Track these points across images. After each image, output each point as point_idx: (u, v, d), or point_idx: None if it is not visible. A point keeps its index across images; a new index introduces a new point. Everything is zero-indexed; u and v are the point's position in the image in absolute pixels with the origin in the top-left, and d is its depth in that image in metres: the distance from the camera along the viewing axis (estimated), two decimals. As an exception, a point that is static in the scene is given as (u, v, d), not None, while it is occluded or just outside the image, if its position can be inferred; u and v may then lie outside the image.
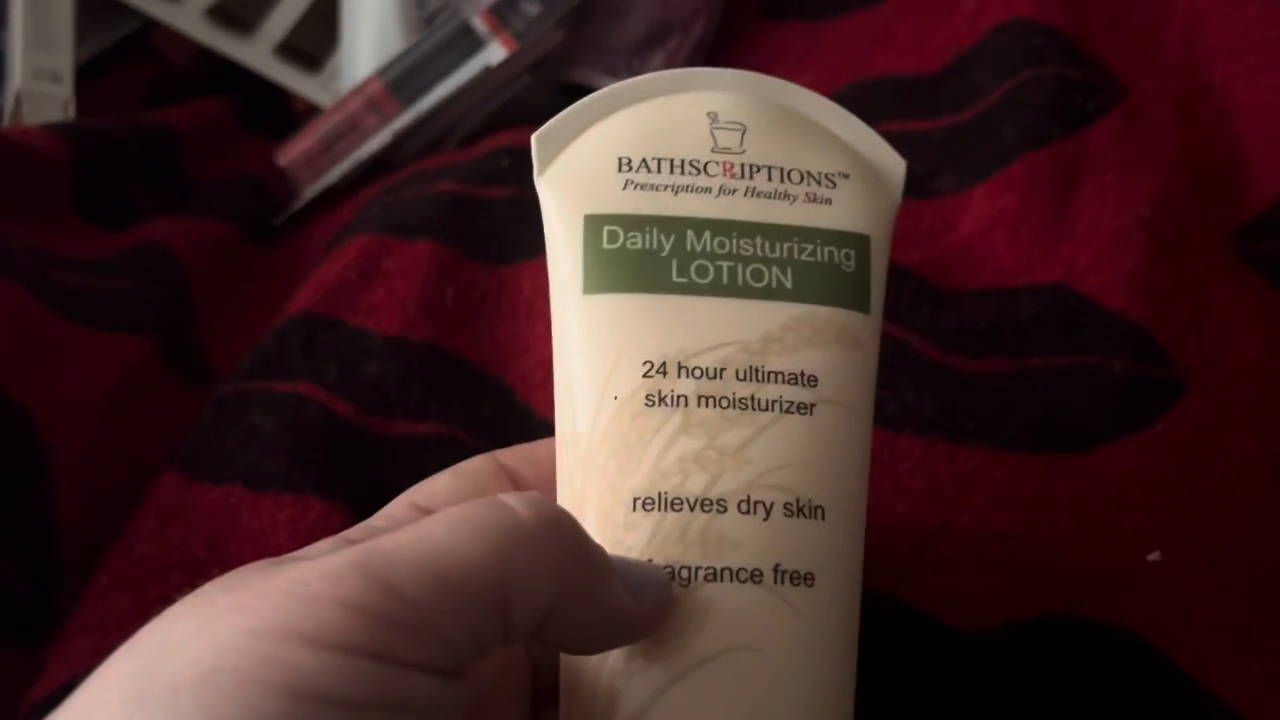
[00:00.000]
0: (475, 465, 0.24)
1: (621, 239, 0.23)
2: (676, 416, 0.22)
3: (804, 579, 0.22)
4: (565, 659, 0.22)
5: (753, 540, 0.21)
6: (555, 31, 0.54)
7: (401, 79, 0.53)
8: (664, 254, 0.23)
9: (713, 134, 0.24)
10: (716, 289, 0.23)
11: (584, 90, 0.55)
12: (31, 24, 0.52)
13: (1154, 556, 0.30)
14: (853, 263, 0.24)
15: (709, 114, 0.24)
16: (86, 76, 0.57)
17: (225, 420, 0.35)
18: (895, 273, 0.38)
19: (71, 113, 0.52)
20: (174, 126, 0.53)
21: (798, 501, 0.22)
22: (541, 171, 0.24)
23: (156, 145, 0.52)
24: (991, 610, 0.30)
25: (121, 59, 0.61)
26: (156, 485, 0.34)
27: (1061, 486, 0.32)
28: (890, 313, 0.36)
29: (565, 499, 0.22)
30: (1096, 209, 0.38)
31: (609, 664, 0.21)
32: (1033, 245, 0.38)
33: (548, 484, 0.23)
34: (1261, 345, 0.34)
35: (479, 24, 0.53)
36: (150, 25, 0.61)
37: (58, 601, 0.32)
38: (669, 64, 0.54)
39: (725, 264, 0.23)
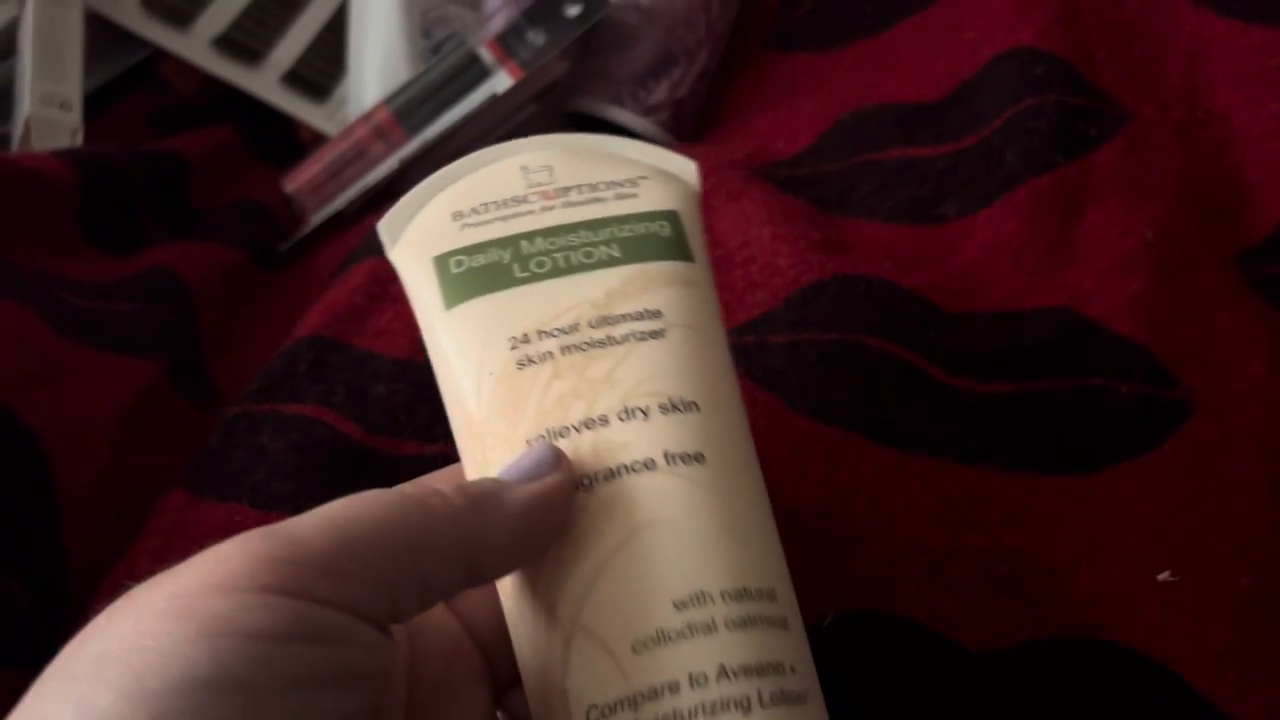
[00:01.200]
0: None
1: (466, 263, 0.26)
2: (546, 368, 0.24)
3: (694, 458, 0.23)
4: (501, 587, 0.24)
5: (638, 438, 0.23)
6: (560, 61, 0.55)
7: (408, 107, 0.54)
8: (505, 262, 0.25)
9: (526, 178, 0.27)
10: (556, 272, 0.25)
11: (589, 119, 0.56)
12: (41, 51, 0.53)
13: (1165, 576, 0.30)
14: (669, 230, 0.27)
15: (521, 167, 0.27)
16: (94, 105, 0.58)
17: (233, 441, 0.35)
18: (901, 297, 0.39)
19: (80, 140, 0.53)
20: (181, 153, 0.54)
21: (671, 401, 0.24)
22: (392, 248, 0.27)
23: (163, 172, 0.52)
24: (1002, 630, 0.29)
25: (129, 88, 0.61)
26: (162, 504, 0.34)
27: (1071, 507, 0.32)
28: (896, 336, 0.36)
29: (473, 473, 0.24)
30: (1101, 233, 0.39)
31: (542, 578, 0.23)
32: (1037, 269, 0.39)
33: None
34: (1266, 368, 0.35)
35: (485, 53, 0.54)
36: (158, 55, 0.61)
37: (66, 624, 0.32)
38: (673, 94, 0.55)
39: (559, 254, 0.26)
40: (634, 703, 0.21)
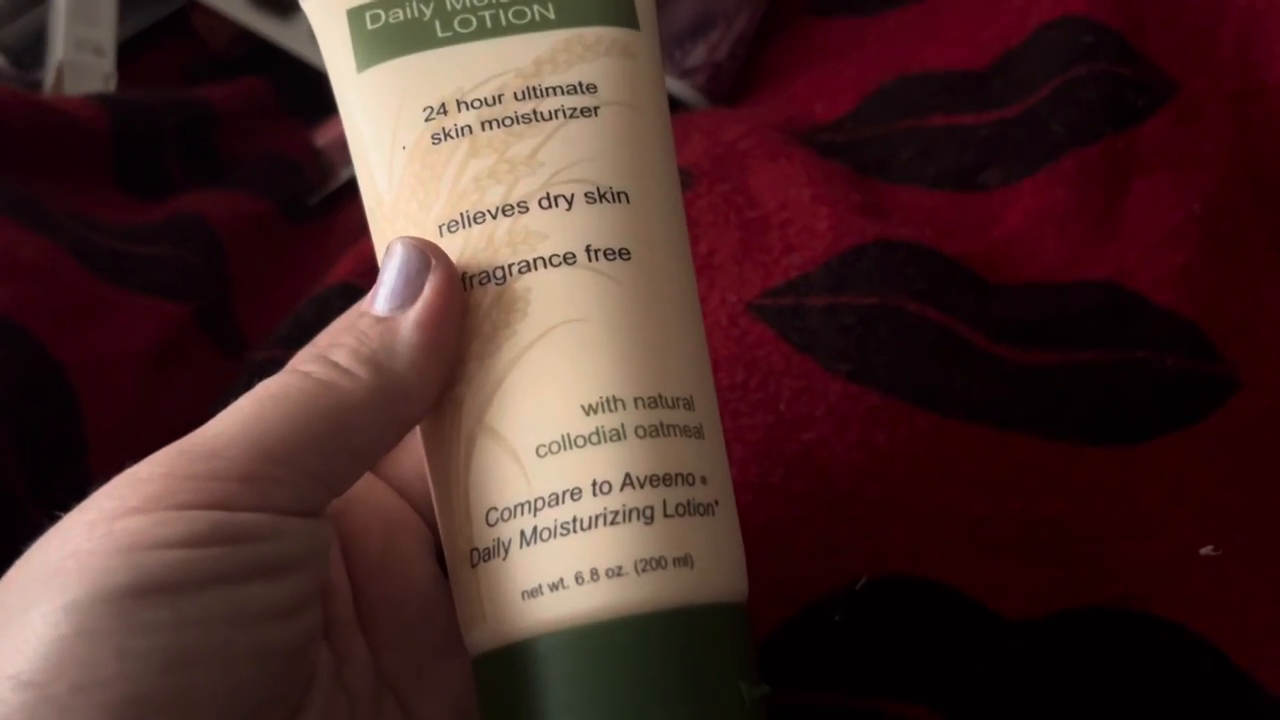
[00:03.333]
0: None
1: (384, 18, 0.23)
2: (464, 145, 0.22)
3: (619, 254, 0.22)
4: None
5: (559, 229, 0.22)
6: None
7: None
8: (426, 19, 0.23)
9: None
10: (482, 33, 0.23)
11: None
12: (76, -4, 0.52)
13: (1207, 550, 0.29)
14: None
15: None
16: (128, 54, 0.57)
17: (261, 385, 0.35)
18: (941, 263, 0.38)
19: (113, 86, 0.52)
20: (213, 103, 0.53)
21: (598, 190, 0.22)
22: None
23: (194, 120, 0.52)
24: (1040, 598, 0.29)
25: (161, 40, 0.61)
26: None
27: (1114, 477, 0.31)
28: (936, 301, 0.36)
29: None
30: (1147, 205, 0.38)
31: (453, 380, 0.22)
32: (1082, 240, 0.38)
33: None
34: (1315, 344, 0.34)
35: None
36: (190, 6, 0.61)
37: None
38: (710, 56, 0.54)
39: (486, 12, 0.23)
40: (534, 507, 0.21)
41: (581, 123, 0.23)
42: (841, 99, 0.48)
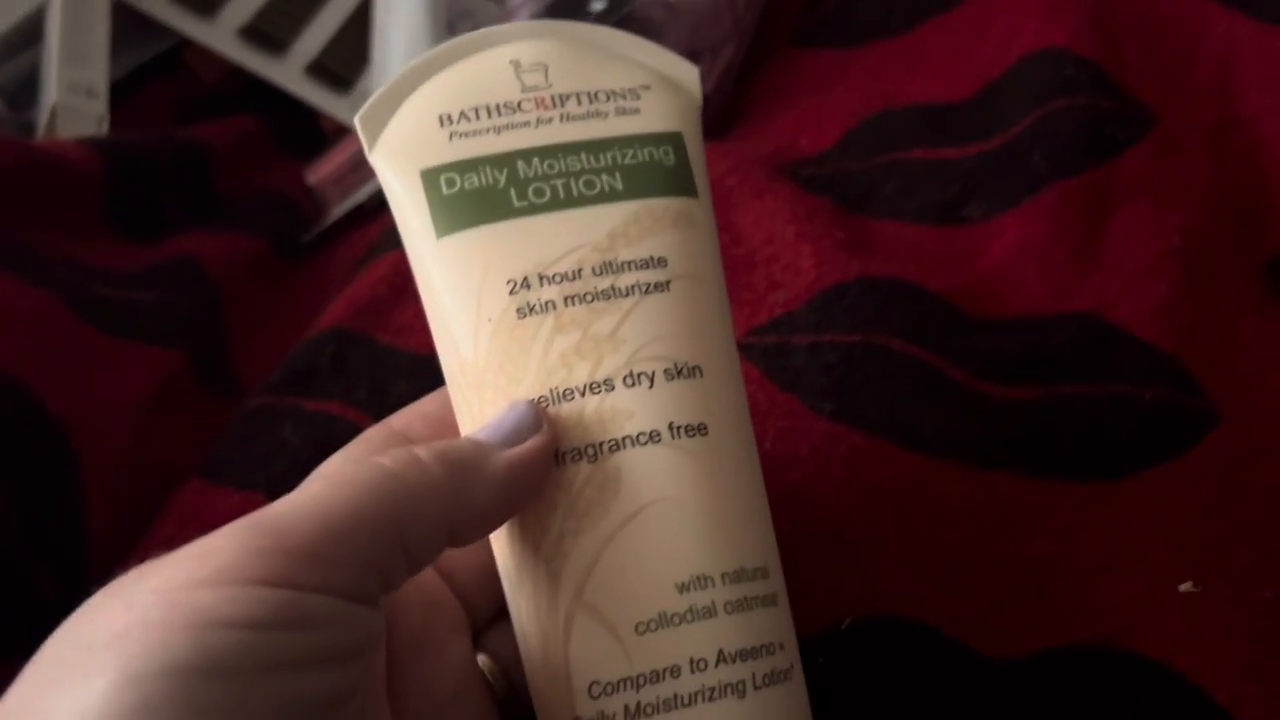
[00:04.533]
0: (368, 435, 0.26)
1: (459, 183, 0.24)
2: (549, 320, 0.23)
3: (698, 430, 0.23)
4: (501, 554, 0.24)
5: (643, 407, 0.23)
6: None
7: (432, 100, 0.54)
8: (500, 186, 0.24)
9: (519, 78, 0.26)
10: (556, 205, 0.24)
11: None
12: (68, 38, 0.53)
13: (1186, 587, 0.29)
14: (672, 157, 0.26)
15: (512, 62, 0.26)
16: (119, 93, 0.58)
17: (253, 432, 0.35)
18: (924, 300, 0.39)
19: (105, 128, 0.53)
20: (206, 142, 0.54)
21: (675, 365, 0.24)
22: (372, 147, 0.25)
23: (189, 160, 0.52)
24: (1022, 638, 0.29)
25: (154, 77, 0.62)
26: (179, 492, 0.34)
27: (1096, 513, 0.31)
28: (919, 338, 0.36)
29: (468, 427, 0.24)
30: (1127, 238, 0.38)
31: (544, 550, 0.23)
32: (1063, 273, 0.38)
33: (440, 435, 0.25)
34: (1294, 377, 0.34)
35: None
36: (183, 44, 0.62)
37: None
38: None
39: (559, 181, 0.24)
40: (636, 684, 0.22)
41: (656, 298, 0.24)
42: (825, 132, 0.48)
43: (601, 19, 0.52)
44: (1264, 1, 0.44)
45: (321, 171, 0.55)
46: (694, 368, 0.24)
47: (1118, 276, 0.38)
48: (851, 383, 0.34)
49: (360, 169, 0.55)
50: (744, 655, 0.22)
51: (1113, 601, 0.30)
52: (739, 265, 0.40)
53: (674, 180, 0.25)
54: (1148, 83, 0.44)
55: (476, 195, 0.24)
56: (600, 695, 0.22)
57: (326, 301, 0.44)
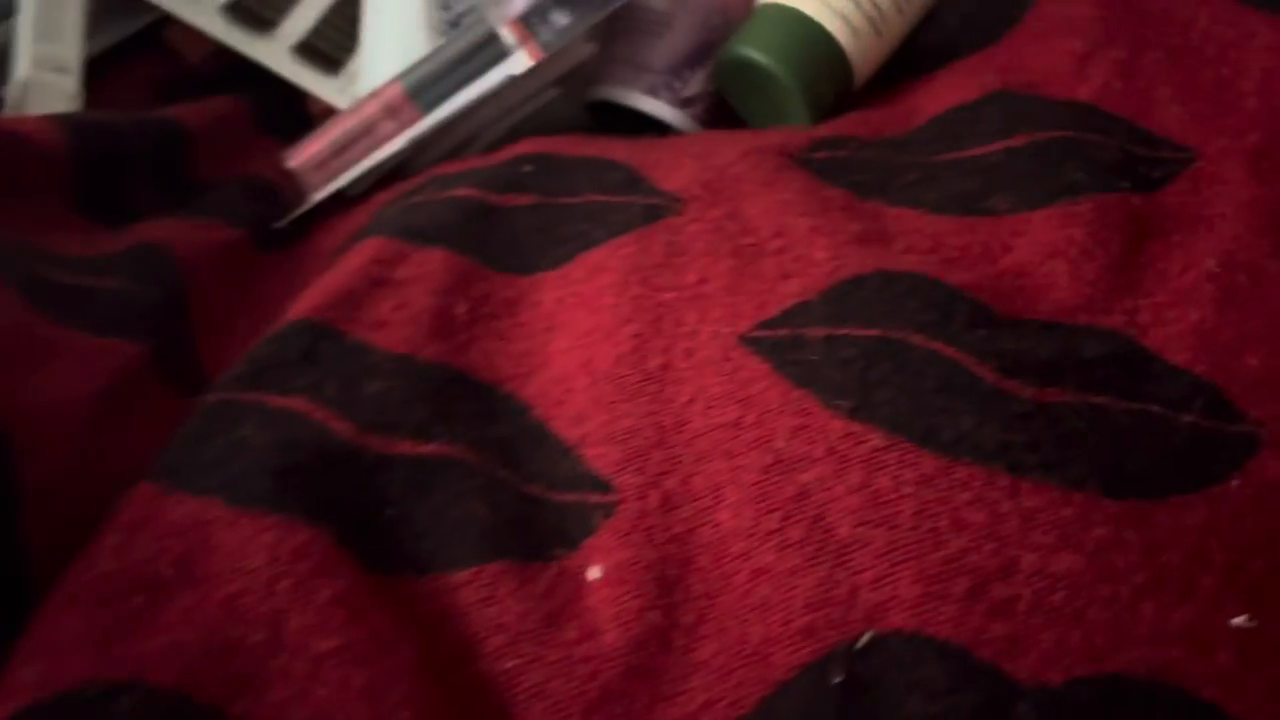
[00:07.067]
0: None
1: None
2: None
3: None
4: None
5: None
6: (586, 44, 0.52)
7: (423, 84, 0.51)
8: None
9: None
10: None
11: (616, 107, 0.53)
12: (39, 11, 0.50)
13: (1240, 621, 0.27)
14: None
15: None
16: (98, 71, 0.55)
17: (211, 430, 0.32)
18: (946, 295, 0.36)
19: (78, 106, 0.50)
20: (183, 123, 0.51)
21: None
22: None
23: (163, 141, 0.49)
24: (1056, 662, 0.26)
25: (134, 55, 0.59)
26: (128, 498, 0.31)
27: (1135, 535, 0.28)
28: (942, 334, 0.33)
29: None
30: (1162, 265, 0.36)
31: None
32: (1096, 284, 0.35)
33: None
34: (1344, 398, 0.31)
35: (506, 32, 0.51)
36: (164, 20, 0.59)
37: (27, 620, 0.29)
38: (708, 85, 0.52)
39: None
40: None
41: None
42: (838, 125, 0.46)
43: (604, 5, 0.49)
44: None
45: (302, 155, 0.52)
46: None
47: (1150, 304, 0.35)
48: (870, 379, 0.32)
49: (343, 154, 0.52)
50: None
51: (1156, 630, 0.27)
52: (748, 255, 0.37)
53: None
54: (1185, 122, 0.41)
55: None
56: None
57: (297, 295, 0.41)
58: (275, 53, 0.58)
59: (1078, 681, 0.26)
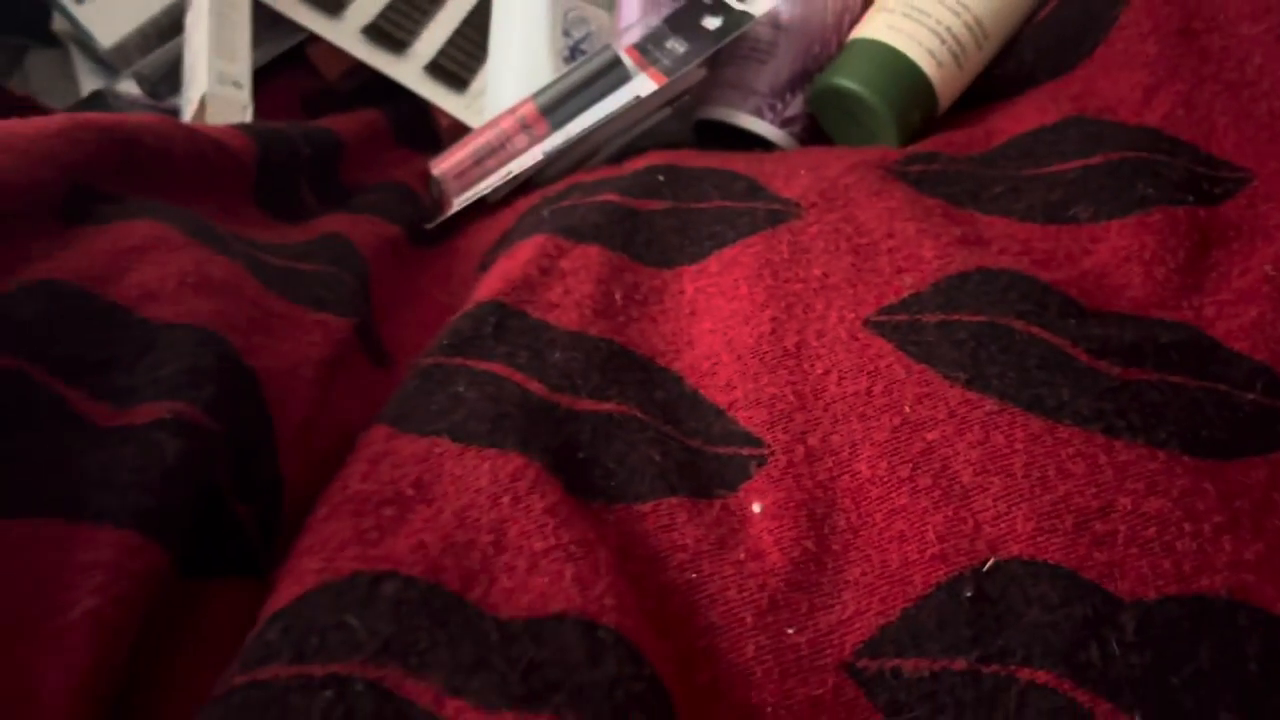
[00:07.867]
0: None
1: None
2: None
3: None
4: None
5: None
6: (699, 68, 0.58)
7: (553, 103, 0.57)
8: None
9: None
10: None
11: (720, 125, 0.59)
12: (217, 33, 0.56)
13: (1302, 550, 0.32)
14: None
15: None
16: (254, 86, 0.61)
17: (430, 387, 0.38)
18: (1040, 288, 0.41)
19: (249, 117, 0.56)
20: (337, 132, 0.57)
21: None
22: None
23: (323, 149, 0.56)
24: (1150, 583, 0.32)
25: (279, 71, 0.65)
26: (366, 437, 0.37)
27: (1211, 485, 0.34)
28: (1040, 320, 0.39)
29: None
30: (1224, 270, 0.41)
31: None
32: (1166, 283, 0.41)
33: None
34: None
35: (626, 58, 0.57)
36: (306, 40, 0.65)
37: (282, 543, 0.35)
38: (808, 106, 0.58)
39: None
40: None
41: None
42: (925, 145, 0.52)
43: (718, 36, 0.56)
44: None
45: (445, 163, 0.58)
46: None
47: (1214, 301, 0.40)
48: (982, 357, 0.37)
49: (481, 164, 0.58)
50: None
51: (1233, 559, 0.33)
52: (864, 253, 0.43)
53: None
54: (1242, 146, 0.47)
55: None
56: None
57: (455, 283, 0.47)
58: (409, 71, 0.64)
59: (1169, 599, 0.32)
